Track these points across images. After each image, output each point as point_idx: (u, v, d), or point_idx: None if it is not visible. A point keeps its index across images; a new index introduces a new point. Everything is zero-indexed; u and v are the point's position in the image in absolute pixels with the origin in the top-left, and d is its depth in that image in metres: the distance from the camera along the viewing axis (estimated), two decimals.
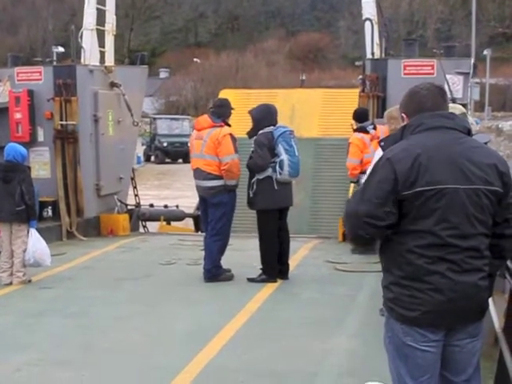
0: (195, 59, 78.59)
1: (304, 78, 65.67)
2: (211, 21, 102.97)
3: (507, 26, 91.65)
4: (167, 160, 49.50)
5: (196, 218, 17.09)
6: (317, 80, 70.36)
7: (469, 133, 4.15)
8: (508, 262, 5.07)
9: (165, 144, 49.84)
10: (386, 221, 3.88)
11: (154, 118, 55.61)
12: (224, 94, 15.87)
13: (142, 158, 49.39)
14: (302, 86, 40.46)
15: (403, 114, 4.25)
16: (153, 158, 51.52)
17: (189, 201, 19.65)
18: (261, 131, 9.95)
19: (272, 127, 9.91)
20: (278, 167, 9.78)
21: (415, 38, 26.13)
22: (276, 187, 9.83)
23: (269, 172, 9.85)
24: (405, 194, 3.88)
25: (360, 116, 12.14)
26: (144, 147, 52.15)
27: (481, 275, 3.95)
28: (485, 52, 56.29)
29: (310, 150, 15.21)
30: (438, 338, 3.98)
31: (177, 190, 29.51)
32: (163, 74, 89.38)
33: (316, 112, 17.21)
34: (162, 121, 54.16)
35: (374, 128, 11.69)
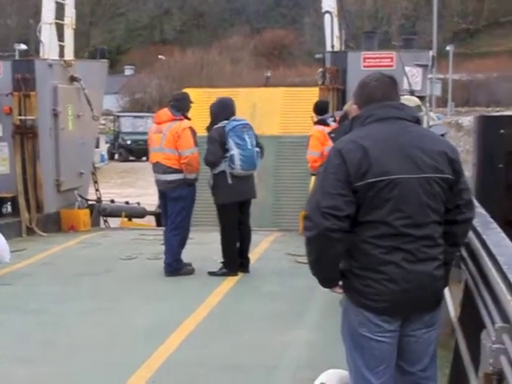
0: (160, 56, 78.29)
1: (269, 74, 65.72)
2: (176, 18, 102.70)
3: (470, 22, 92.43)
4: (131, 158, 49.37)
5: (158, 216, 17.05)
6: (282, 77, 70.42)
7: (417, 122, 4.19)
8: (462, 252, 5.13)
9: (128, 142, 49.71)
10: (347, 210, 3.89)
11: (118, 116, 55.42)
12: None
13: (106, 156, 49.22)
14: (267, 82, 40.57)
15: (355, 105, 4.28)
16: (117, 156, 51.38)
17: (151, 198, 19.53)
18: (215, 126, 9.95)
19: (225, 121, 9.90)
20: (229, 162, 9.79)
21: (379, 32, 26.29)
22: (230, 181, 9.81)
23: (222, 167, 9.85)
24: (357, 185, 3.90)
25: (320, 109, 12.15)
26: (108, 145, 51.95)
27: (436, 264, 3.99)
28: (447, 48, 56.67)
29: (271, 147, 15.32)
30: (394, 329, 4.02)
31: (140, 188, 29.40)
32: (128, 71, 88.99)
33: (277, 110, 17.49)
34: (126, 118, 54.00)
35: (335, 120, 11.69)
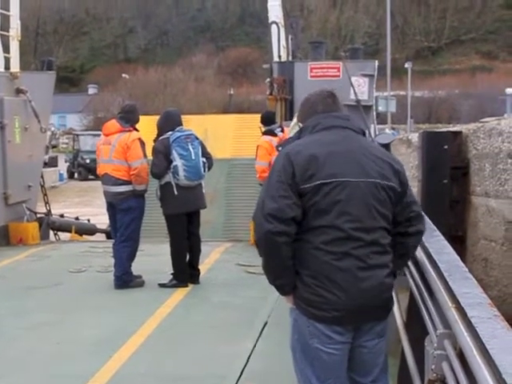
0: (124, 75, 78.06)
1: (232, 92, 65.89)
2: (140, 36, 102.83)
3: (432, 40, 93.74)
4: (90, 177, 48.87)
5: (108, 234, 16.94)
6: (245, 94, 70.67)
7: (364, 134, 4.26)
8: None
9: (87, 161, 49.24)
10: (291, 213, 3.87)
11: (77, 135, 55.23)
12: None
13: (65, 175, 48.99)
14: (230, 100, 40.85)
15: (300, 124, 4.34)
16: (76, 175, 51.03)
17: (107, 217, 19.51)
18: (160, 138, 9.97)
19: (170, 133, 9.91)
20: (173, 173, 9.80)
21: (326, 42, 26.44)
22: (176, 192, 9.83)
23: (168, 178, 9.86)
24: (304, 187, 3.91)
25: (267, 119, 12.23)
26: (67, 164, 51.58)
27: (386, 272, 4.00)
28: (406, 65, 57.36)
29: (223, 169, 15.77)
30: (344, 340, 4.00)
31: (97, 207, 29.05)
32: (92, 90, 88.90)
33: (229, 135, 18.11)
34: (85, 137, 53.61)
35: (282, 131, 11.80)
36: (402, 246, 4.15)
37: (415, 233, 4.18)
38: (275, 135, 11.74)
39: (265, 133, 12.02)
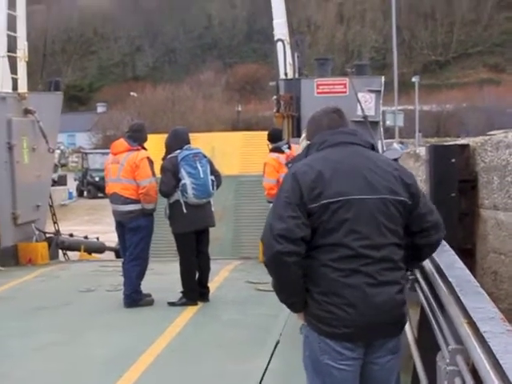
0: (132, 93, 78.31)
1: (240, 109, 66.16)
2: (148, 54, 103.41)
3: (440, 54, 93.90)
4: (100, 195, 48.91)
5: (117, 252, 16.94)
6: (253, 111, 70.68)
7: (372, 148, 4.23)
8: (417, 275, 5.17)
9: (97, 179, 49.25)
10: (300, 233, 3.85)
11: (86, 153, 55.27)
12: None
13: (75, 193, 49.11)
14: (238, 117, 41.13)
15: (308, 141, 4.34)
16: (85, 194, 51.14)
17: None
18: (168, 156, 9.98)
19: (178, 151, 9.92)
20: (182, 191, 9.79)
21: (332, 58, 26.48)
22: (185, 211, 9.82)
23: (176, 196, 9.86)
24: (311, 206, 3.89)
25: (274, 136, 12.23)
26: (77, 182, 51.71)
27: (397, 288, 3.96)
28: (413, 79, 57.33)
29: (231, 186, 15.82)
30: (356, 356, 3.95)
31: (106, 225, 29.08)
32: (100, 108, 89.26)
33: (236, 152, 18.20)
34: (94, 155, 53.71)
35: (289, 147, 11.80)
36: (417, 253, 4.18)
37: (430, 243, 4.18)
38: (282, 152, 11.74)
39: (272, 150, 12.02)
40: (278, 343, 8.13)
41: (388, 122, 38.59)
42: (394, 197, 3.98)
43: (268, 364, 7.35)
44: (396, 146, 36.90)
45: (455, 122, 71.05)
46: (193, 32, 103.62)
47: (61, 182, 46.13)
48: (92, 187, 50.43)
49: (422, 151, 9.71)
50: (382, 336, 3.99)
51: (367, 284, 3.87)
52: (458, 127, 66.97)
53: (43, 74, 17.52)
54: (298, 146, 8.44)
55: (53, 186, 31.02)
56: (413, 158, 10.68)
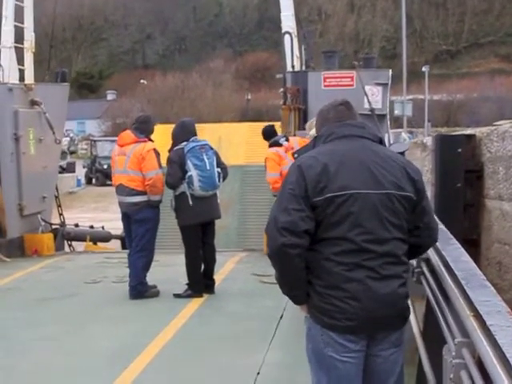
0: (142, 81, 78.32)
1: (249, 97, 65.96)
2: (158, 42, 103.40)
3: (451, 43, 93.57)
4: (108, 182, 48.97)
5: (123, 240, 16.94)
6: (263, 99, 70.53)
7: (380, 141, 4.19)
8: (423, 268, 5.13)
9: (105, 166, 49.29)
10: (304, 226, 3.84)
11: (95, 141, 55.41)
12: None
13: (83, 181, 49.26)
14: (248, 105, 41.18)
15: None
16: (94, 181, 51.26)
17: None
18: (174, 148, 9.94)
19: (184, 143, 9.88)
20: (188, 183, 9.76)
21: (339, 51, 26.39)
22: (191, 203, 9.79)
23: (182, 188, 9.83)
24: (316, 200, 3.87)
25: (268, 133, 12.17)
26: (85, 170, 51.82)
27: (400, 282, 3.95)
28: (423, 69, 57.18)
29: (236, 176, 15.88)
30: (359, 348, 3.95)
31: (113, 213, 29.17)
32: (110, 96, 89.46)
33: (242, 142, 18.45)
34: (103, 143, 53.81)
35: (287, 140, 11.80)
36: (412, 251, 4.14)
37: (417, 245, 4.16)
38: (280, 145, 11.70)
39: (270, 145, 11.98)
40: (282, 335, 8.11)
41: (396, 112, 38.51)
42: (399, 192, 3.96)
43: (273, 356, 7.33)
44: (404, 135, 36.82)
45: (465, 112, 70.81)
46: (203, 20, 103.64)
47: (69, 169, 46.28)
48: (100, 174, 50.52)
49: (429, 141, 9.65)
50: (385, 329, 3.98)
51: (370, 278, 3.86)
52: (468, 117, 66.74)
53: (50, 65, 17.49)
54: (304, 139, 8.42)
55: (61, 173, 31.09)
56: (420, 148, 10.63)
